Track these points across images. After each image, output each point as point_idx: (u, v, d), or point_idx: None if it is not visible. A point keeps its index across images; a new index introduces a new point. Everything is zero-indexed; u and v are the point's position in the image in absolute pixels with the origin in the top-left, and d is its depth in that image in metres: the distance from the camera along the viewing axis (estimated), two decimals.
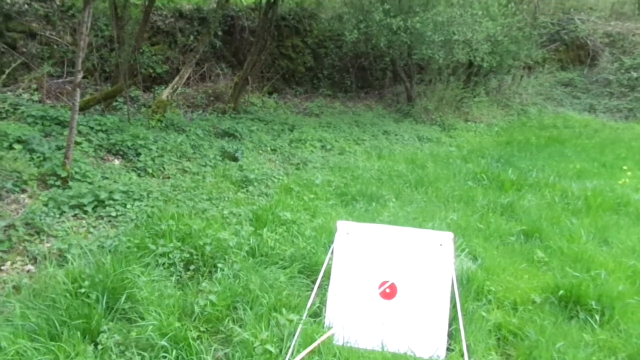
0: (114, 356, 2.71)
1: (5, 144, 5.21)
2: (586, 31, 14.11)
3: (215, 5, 8.87)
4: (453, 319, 3.13)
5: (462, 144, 10.25)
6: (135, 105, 8.28)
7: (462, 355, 2.85)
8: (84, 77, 7.06)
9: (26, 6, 8.04)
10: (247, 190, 5.76)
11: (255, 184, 5.93)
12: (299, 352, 2.79)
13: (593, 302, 3.57)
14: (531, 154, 9.17)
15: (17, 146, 5.20)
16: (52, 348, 2.63)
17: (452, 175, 7.21)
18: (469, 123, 12.46)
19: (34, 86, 7.34)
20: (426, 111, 11.91)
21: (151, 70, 9.12)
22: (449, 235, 3.27)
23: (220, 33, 10.11)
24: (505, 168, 7.59)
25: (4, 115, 6.15)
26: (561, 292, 3.72)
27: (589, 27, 14.00)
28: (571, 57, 17.12)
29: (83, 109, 6.75)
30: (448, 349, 3.00)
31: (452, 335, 3.09)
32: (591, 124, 13.21)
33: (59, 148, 5.46)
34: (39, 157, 5.18)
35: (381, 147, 8.91)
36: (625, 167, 8.00)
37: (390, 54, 11.53)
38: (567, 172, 7.74)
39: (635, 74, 15.56)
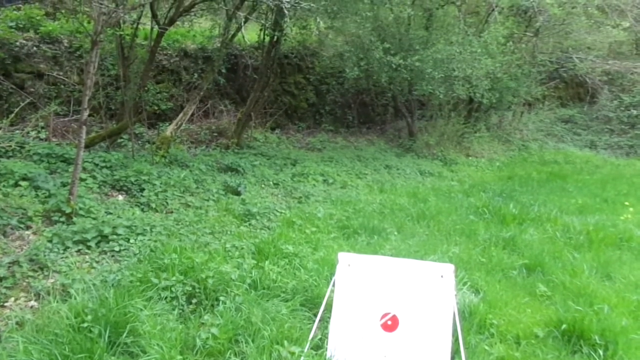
0: None
1: (12, 182, 5.29)
2: (585, 69, 14.36)
3: (219, 45, 9.12)
4: (455, 352, 3.11)
5: (464, 178, 10.32)
6: (140, 142, 8.42)
7: None
8: (90, 115, 7.22)
9: (35, 48, 8.28)
10: (249, 224, 5.80)
11: (258, 217, 5.98)
12: None
13: (596, 337, 3.56)
14: (533, 188, 9.22)
15: (23, 183, 5.28)
16: None
17: (454, 209, 7.24)
18: (470, 158, 12.57)
19: (42, 124, 7.49)
20: (428, 146, 12.03)
21: (156, 108, 9.31)
22: (450, 267, 3.28)
23: (224, 71, 10.34)
24: (507, 202, 7.63)
25: (11, 154, 6.26)
26: (564, 326, 3.71)
27: (587, 65, 14.26)
28: (571, 94, 17.37)
29: (88, 146, 6.86)
30: None
31: None
32: (592, 160, 13.30)
33: (64, 185, 5.53)
34: (44, 193, 5.25)
35: (383, 181, 8.98)
36: (627, 203, 8.03)
37: (391, 90, 11.75)
38: (569, 207, 7.76)
39: (635, 112, 15.76)
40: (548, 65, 14.31)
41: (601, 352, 3.43)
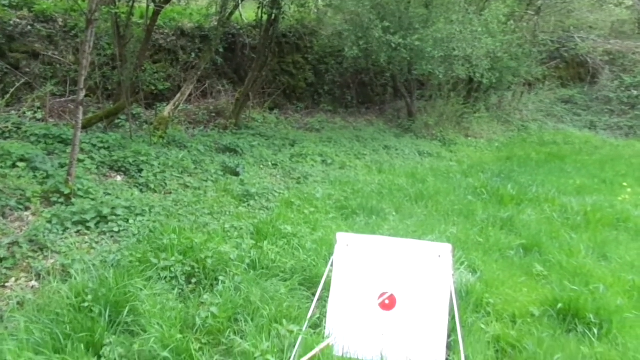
0: None
1: (9, 163, 5.28)
2: (586, 49, 14.24)
3: (216, 23, 9.01)
4: (452, 331, 3.15)
5: (463, 158, 10.32)
6: (137, 123, 8.38)
7: None
8: (86, 96, 7.17)
9: (29, 27, 8.18)
10: (248, 205, 5.81)
11: (257, 198, 5.99)
12: None
13: (591, 316, 3.59)
14: (531, 169, 9.22)
15: (20, 164, 5.27)
16: None
17: (452, 190, 7.26)
18: (470, 138, 12.55)
19: (38, 104, 7.45)
20: (427, 126, 12.00)
21: (153, 88, 9.25)
22: (448, 247, 3.31)
23: (221, 50, 10.25)
24: (505, 183, 7.64)
25: (8, 135, 6.24)
26: (560, 305, 3.74)
27: (588, 45, 14.14)
28: (571, 74, 17.25)
29: (86, 126, 6.84)
30: None
31: (451, 347, 3.11)
32: (591, 141, 13.28)
33: (61, 166, 5.53)
34: (42, 174, 5.24)
35: (382, 161, 8.98)
36: (625, 184, 8.04)
37: (390, 70, 11.66)
38: (567, 187, 7.78)
39: (635, 92, 15.67)
40: (549, 44, 14.20)
41: (596, 331, 3.47)
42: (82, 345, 2.84)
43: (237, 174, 6.85)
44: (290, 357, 2.87)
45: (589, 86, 16.83)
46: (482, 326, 3.40)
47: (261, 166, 7.57)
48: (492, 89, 14.28)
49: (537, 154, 10.97)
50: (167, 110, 7.99)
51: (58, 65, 8.28)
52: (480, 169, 9.03)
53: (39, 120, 7.21)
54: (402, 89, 12.51)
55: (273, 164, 7.73)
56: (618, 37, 15.57)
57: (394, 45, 9.74)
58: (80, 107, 4.98)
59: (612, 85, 16.41)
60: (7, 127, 6.16)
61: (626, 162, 10.44)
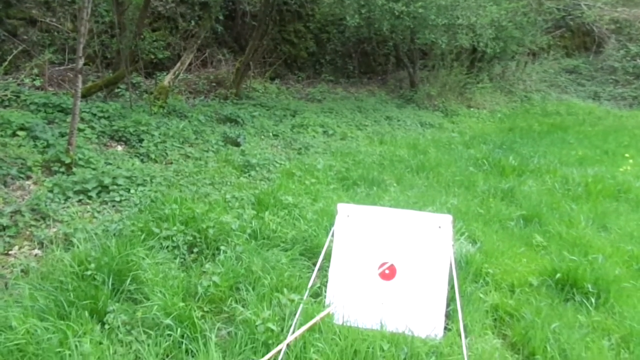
0: (120, 335, 2.78)
1: (9, 131, 5.26)
2: (592, 17, 13.94)
3: None
4: (451, 300, 3.19)
5: (465, 130, 10.27)
6: (137, 92, 8.31)
7: (459, 335, 2.91)
8: (85, 64, 7.08)
9: None
10: (249, 175, 5.82)
11: (257, 168, 5.98)
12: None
13: (589, 286, 3.62)
14: (533, 140, 9.19)
15: (20, 133, 5.25)
16: (61, 327, 2.70)
17: (454, 161, 7.25)
18: (472, 109, 12.45)
19: (36, 72, 7.36)
20: (429, 97, 11.89)
21: (152, 56, 9.13)
22: (448, 217, 3.32)
23: (221, 18, 10.06)
24: (507, 154, 7.62)
25: (7, 103, 6.19)
26: (558, 275, 3.77)
27: (595, 13, 13.84)
28: (576, 43, 16.99)
29: (85, 95, 6.78)
30: (445, 329, 3.07)
31: (450, 316, 3.16)
32: (595, 112, 13.18)
33: (62, 135, 5.51)
34: (42, 143, 5.23)
35: (383, 132, 8.94)
36: (627, 155, 8.02)
37: (393, 39, 11.48)
38: (569, 159, 7.76)
39: None
40: (555, 12, 13.91)
41: (593, 300, 3.51)
42: (86, 312, 2.88)
43: (238, 145, 6.83)
44: (290, 325, 2.91)
45: (594, 56, 16.60)
46: (481, 295, 3.44)
47: (262, 137, 7.53)
48: (495, 59, 14.09)
49: (540, 125, 10.91)
50: (167, 79, 7.90)
51: (56, 33, 8.15)
52: (482, 140, 9.00)
53: (37, 88, 7.15)
54: (405, 59, 12.35)
55: (274, 135, 7.70)
56: (626, 4, 15.22)
57: (396, 13, 9.55)
58: (79, 76, 4.93)
59: (618, 54, 16.17)
60: (6, 95, 6.10)
61: (629, 133, 10.39)
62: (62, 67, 8.01)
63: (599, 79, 16.03)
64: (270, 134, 7.69)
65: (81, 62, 4.94)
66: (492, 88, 14.07)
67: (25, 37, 7.90)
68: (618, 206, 5.69)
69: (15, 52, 7.09)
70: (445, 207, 5.15)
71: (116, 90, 7.79)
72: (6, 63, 6.00)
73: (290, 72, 12.03)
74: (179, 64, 8.14)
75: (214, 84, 9.91)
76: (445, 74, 12.41)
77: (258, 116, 8.35)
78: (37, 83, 7.23)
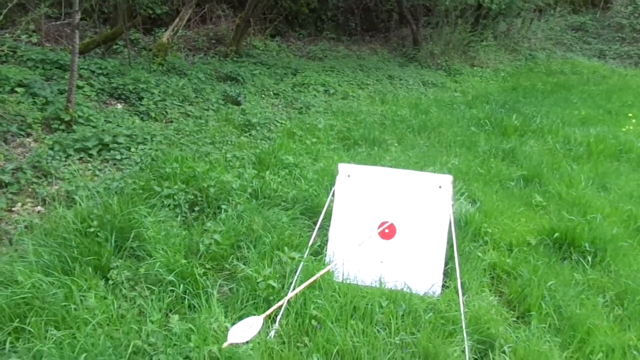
0: (124, 290, 2.84)
1: (7, 88, 5.21)
2: None
3: None
4: (449, 259, 3.24)
5: (467, 89, 10.15)
6: (136, 49, 8.17)
7: (457, 292, 2.97)
8: (82, 19, 6.93)
9: None
10: (249, 134, 5.79)
11: (258, 128, 5.95)
12: None
13: (587, 245, 3.67)
14: (537, 100, 9.09)
15: (19, 90, 5.19)
16: (66, 282, 2.75)
17: (456, 121, 7.20)
18: (475, 68, 12.27)
19: (32, 27, 7.21)
20: (432, 55, 11.69)
21: (150, 12, 8.90)
22: (448, 177, 3.33)
23: None
24: (509, 114, 7.56)
25: (4, 59, 6.10)
26: (556, 234, 3.81)
27: None
28: None
29: (83, 52, 6.67)
30: (443, 287, 3.13)
31: (448, 274, 3.21)
32: (600, 70, 12.97)
33: (61, 92, 5.45)
34: (41, 100, 5.18)
35: (385, 91, 8.84)
36: (630, 114, 7.94)
37: None
38: (572, 118, 7.70)
39: None
40: None
41: (590, 259, 3.56)
42: (90, 268, 2.93)
43: (238, 103, 6.78)
44: (291, 283, 2.96)
45: (602, 12, 16.21)
46: (479, 254, 3.48)
47: (263, 95, 7.46)
48: (500, 16, 13.77)
49: (544, 84, 10.76)
50: (165, 35, 7.75)
51: None
52: (484, 99, 8.90)
53: (34, 44, 7.01)
54: (408, 15, 12.07)
55: (275, 94, 7.62)
56: None
57: None
58: (77, 31, 4.83)
59: (626, 11, 15.78)
60: (2, 50, 5.99)
61: (633, 92, 10.25)
62: (58, 22, 7.84)
63: (606, 36, 15.70)
64: (271, 92, 7.61)
65: (78, 16, 4.83)
66: (496, 46, 13.81)
67: None
68: (619, 166, 5.69)
69: (10, 5, 6.91)
70: (446, 167, 5.15)
71: (114, 47, 7.66)
72: (1, 17, 5.87)
73: (291, 29, 11.79)
74: (177, 19, 7.97)
75: (213, 41, 9.74)
76: (449, 32, 12.16)
77: (258, 74, 8.24)
78: (34, 39, 7.09)
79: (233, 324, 2.64)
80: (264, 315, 2.72)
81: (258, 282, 2.90)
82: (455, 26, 12.18)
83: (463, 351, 2.60)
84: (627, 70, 13.34)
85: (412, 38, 12.42)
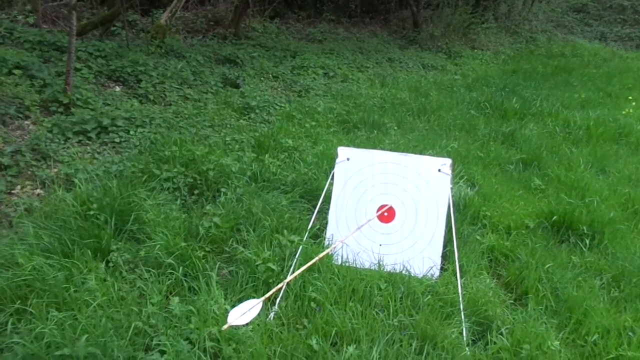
0: (124, 272, 2.86)
1: (5, 70, 5.16)
2: None
3: None
4: (448, 242, 3.25)
5: (468, 72, 10.10)
6: (134, 31, 8.09)
7: (455, 275, 2.99)
8: (79, 0, 6.85)
9: None
10: (249, 118, 5.77)
11: (257, 111, 5.93)
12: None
13: (584, 227, 3.69)
14: (537, 83, 9.05)
15: (16, 72, 5.15)
16: (66, 264, 2.77)
17: (455, 104, 7.18)
18: (476, 51, 12.18)
19: (29, 8, 7.14)
20: (432, 38, 11.60)
21: None
22: (448, 161, 3.33)
23: None
24: (509, 97, 7.53)
25: (1, 41, 6.05)
26: (554, 217, 3.83)
27: None
28: None
29: (80, 34, 6.61)
30: (442, 269, 3.15)
31: (447, 257, 3.23)
32: (600, 53, 12.89)
33: (59, 74, 5.41)
34: (39, 83, 5.15)
35: (385, 74, 8.79)
36: (630, 97, 7.92)
37: None
38: (572, 102, 7.68)
39: None
40: None
41: (587, 241, 3.58)
42: (90, 251, 2.94)
43: (237, 86, 6.74)
44: (290, 265, 2.98)
45: None
46: (478, 237, 3.50)
47: (262, 78, 7.42)
48: None
49: (544, 67, 10.71)
50: (163, 17, 7.67)
51: None
52: (484, 82, 8.86)
53: (31, 25, 6.95)
54: None
55: (274, 76, 7.57)
56: None
57: None
58: (74, 12, 4.78)
59: None
60: None
61: (634, 75, 10.21)
62: (55, 3, 7.76)
63: (607, 18, 15.56)
64: (270, 75, 7.57)
65: None
66: (497, 28, 13.70)
67: None
68: (618, 149, 5.70)
69: None
70: (445, 150, 5.15)
71: (112, 29, 7.59)
72: None
73: (290, 10, 11.67)
74: (175, 1, 7.87)
75: (212, 23, 9.64)
76: (450, 14, 12.05)
77: (257, 57, 8.18)
78: (31, 20, 7.02)
79: (233, 306, 2.66)
80: (263, 298, 2.74)
81: (257, 265, 2.91)
82: (455, 8, 12.08)
83: (461, 333, 2.63)
84: (628, 53, 13.25)
85: (413, 20, 12.31)
